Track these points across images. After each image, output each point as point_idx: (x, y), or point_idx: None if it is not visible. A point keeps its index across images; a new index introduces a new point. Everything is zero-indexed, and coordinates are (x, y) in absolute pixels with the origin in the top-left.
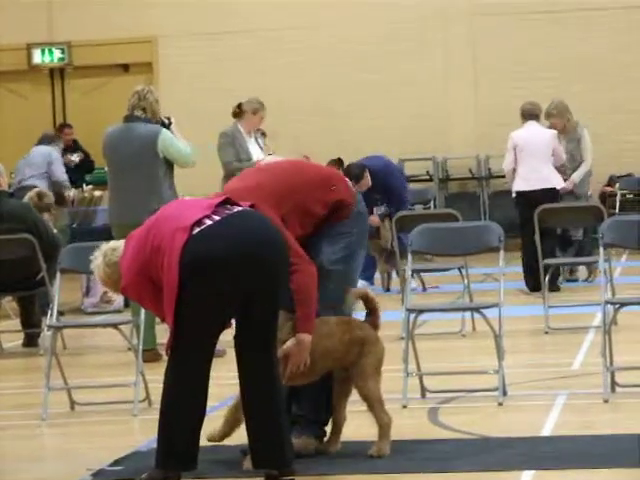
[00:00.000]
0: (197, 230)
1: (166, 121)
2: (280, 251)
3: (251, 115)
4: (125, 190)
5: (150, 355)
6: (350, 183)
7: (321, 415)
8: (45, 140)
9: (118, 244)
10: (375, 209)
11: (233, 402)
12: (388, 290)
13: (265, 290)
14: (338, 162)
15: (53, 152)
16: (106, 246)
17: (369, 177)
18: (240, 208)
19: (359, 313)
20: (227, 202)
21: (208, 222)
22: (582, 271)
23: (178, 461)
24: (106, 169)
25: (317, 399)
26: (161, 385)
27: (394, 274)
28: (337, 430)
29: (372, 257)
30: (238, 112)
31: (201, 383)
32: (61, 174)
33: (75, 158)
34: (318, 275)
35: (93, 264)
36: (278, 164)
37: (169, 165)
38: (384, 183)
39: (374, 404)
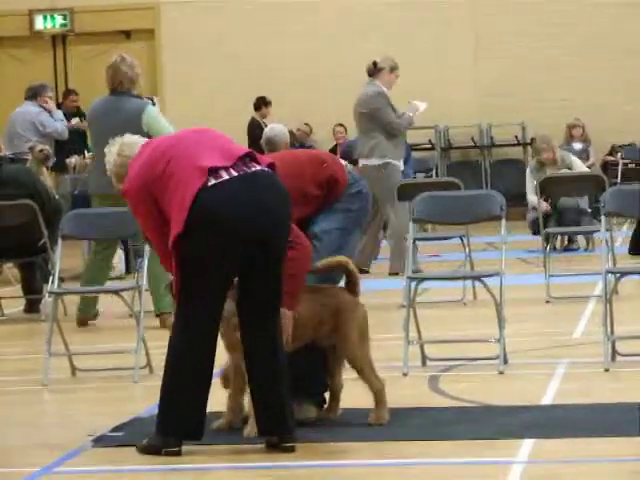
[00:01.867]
0: (212, 182)
1: (148, 101)
2: (285, 224)
3: (388, 72)
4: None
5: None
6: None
7: (320, 383)
8: (31, 95)
9: (137, 141)
10: None
11: (230, 390)
12: (375, 258)
13: (267, 260)
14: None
15: (32, 108)
16: (127, 138)
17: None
18: (258, 168)
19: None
20: (248, 155)
21: (225, 176)
22: (582, 240)
23: (180, 428)
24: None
25: (315, 367)
26: (162, 352)
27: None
28: (335, 397)
29: None
30: (374, 70)
31: (207, 346)
32: (53, 124)
33: (81, 123)
34: (310, 243)
35: (107, 149)
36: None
37: None
38: None
39: (363, 369)
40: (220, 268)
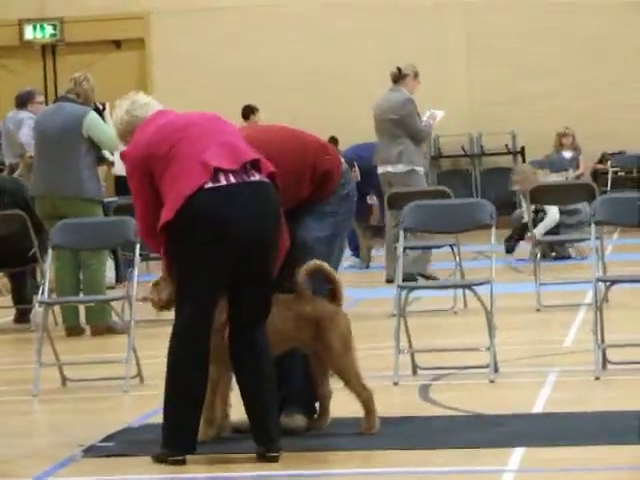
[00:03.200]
0: (209, 185)
1: (100, 107)
2: (271, 239)
3: (412, 78)
4: (46, 164)
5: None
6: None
7: (309, 392)
8: (20, 103)
9: (151, 103)
10: (368, 198)
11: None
12: (368, 267)
13: (251, 272)
14: (333, 141)
15: (20, 115)
16: (140, 97)
17: (357, 171)
18: (257, 178)
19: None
20: (253, 162)
21: (223, 181)
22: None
23: (173, 439)
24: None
25: (304, 376)
26: (152, 362)
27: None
28: (324, 406)
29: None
30: (399, 76)
31: (200, 355)
32: (24, 136)
33: None
34: (299, 251)
35: (118, 102)
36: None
37: (94, 146)
38: (369, 181)
39: (349, 379)
40: (203, 268)
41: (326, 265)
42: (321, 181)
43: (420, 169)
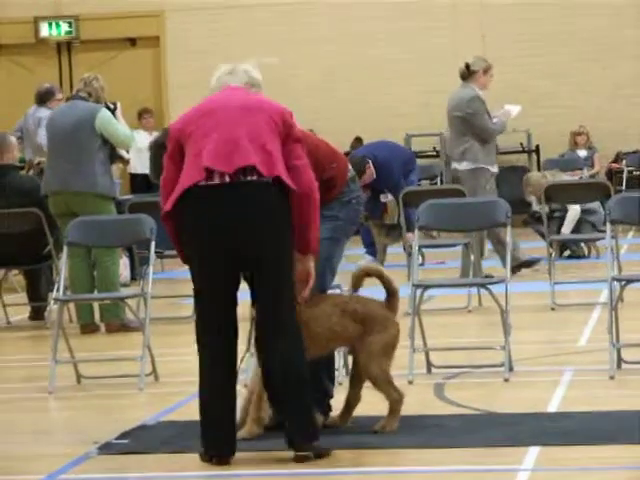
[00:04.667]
0: (203, 183)
1: (111, 106)
2: (264, 240)
3: (482, 74)
4: (59, 161)
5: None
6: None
7: (324, 390)
8: (39, 101)
9: (233, 72)
10: (382, 196)
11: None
12: (381, 265)
13: (260, 275)
14: (357, 141)
15: (39, 113)
16: (229, 67)
17: (372, 168)
18: (255, 178)
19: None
20: (253, 167)
21: (216, 180)
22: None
23: (206, 439)
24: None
25: (322, 374)
26: (167, 359)
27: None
28: (349, 408)
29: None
30: (467, 73)
31: (221, 354)
32: (42, 138)
33: None
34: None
35: (226, 66)
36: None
37: (105, 143)
38: (384, 179)
39: (377, 384)
40: (201, 261)
41: (384, 271)
42: (323, 188)
43: (487, 167)
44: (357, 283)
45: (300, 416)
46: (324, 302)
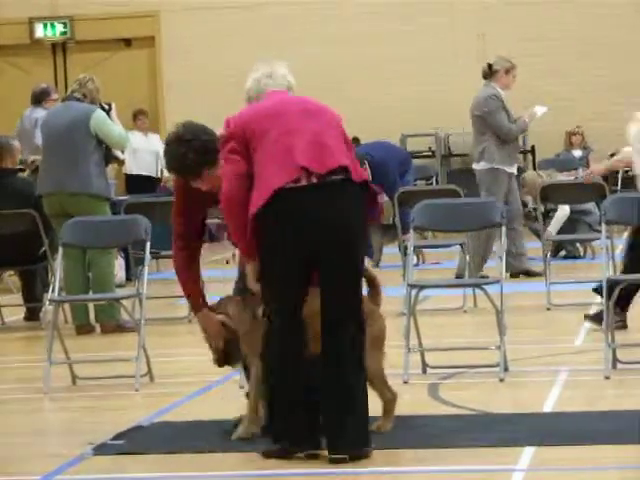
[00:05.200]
0: (290, 186)
1: (106, 107)
2: (354, 237)
3: (504, 74)
4: (54, 161)
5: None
6: None
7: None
8: (35, 100)
9: (273, 76)
10: (378, 197)
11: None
12: (378, 265)
13: (339, 270)
14: (355, 141)
15: (35, 114)
16: (267, 70)
17: (368, 169)
18: (339, 177)
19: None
20: (343, 167)
21: (303, 182)
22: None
23: (284, 432)
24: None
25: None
26: (162, 360)
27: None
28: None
29: None
30: (489, 73)
31: (290, 348)
32: (38, 138)
33: None
34: None
35: (256, 66)
36: None
37: (100, 144)
38: (380, 180)
39: (373, 380)
40: (287, 262)
41: (368, 266)
42: None
43: (503, 168)
44: None
45: (335, 420)
46: (317, 298)
